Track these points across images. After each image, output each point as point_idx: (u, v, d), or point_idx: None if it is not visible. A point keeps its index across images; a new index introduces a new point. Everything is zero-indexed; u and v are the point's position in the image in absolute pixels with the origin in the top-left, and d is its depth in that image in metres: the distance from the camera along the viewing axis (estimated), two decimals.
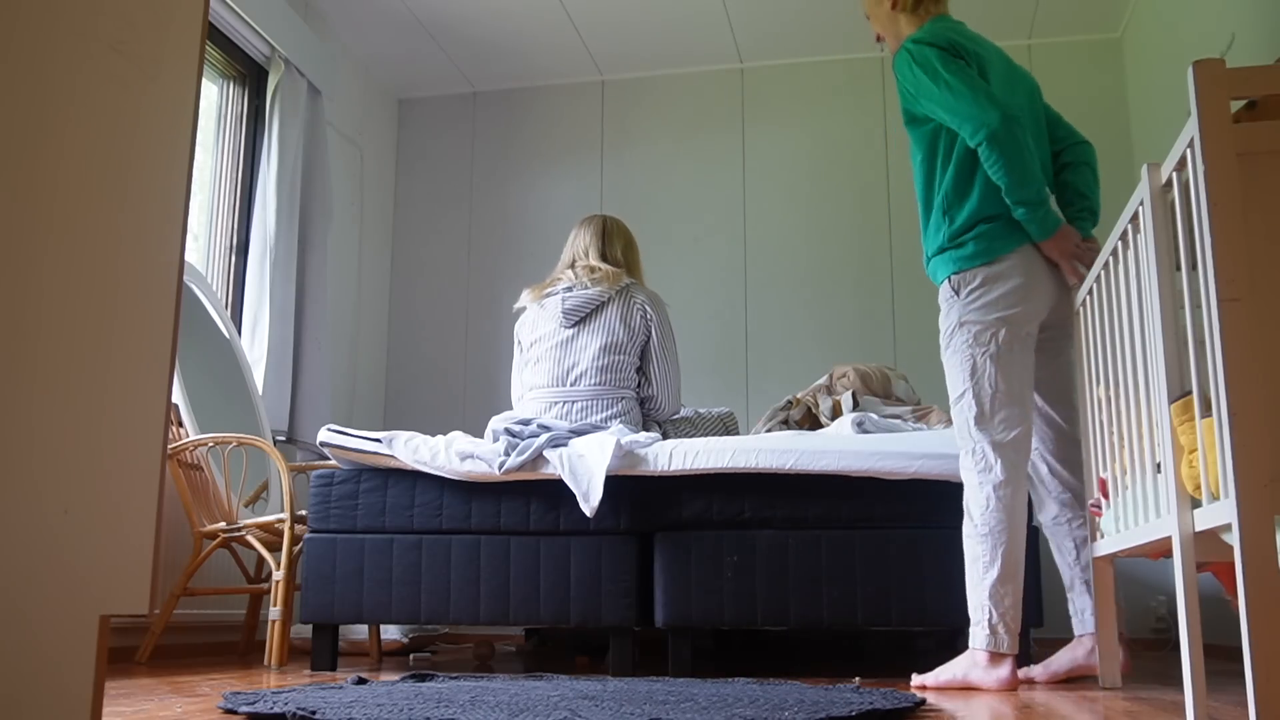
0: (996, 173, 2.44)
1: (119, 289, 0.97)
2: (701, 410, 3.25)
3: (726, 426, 3.20)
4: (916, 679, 2.43)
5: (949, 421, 2.79)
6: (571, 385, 3.03)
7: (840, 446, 2.65)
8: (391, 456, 2.84)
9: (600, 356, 3.03)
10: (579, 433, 2.87)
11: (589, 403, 3.00)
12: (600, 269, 3.11)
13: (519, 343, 3.20)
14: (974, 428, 2.44)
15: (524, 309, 3.21)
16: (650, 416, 3.11)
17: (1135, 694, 2.28)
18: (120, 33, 0.98)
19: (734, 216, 4.90)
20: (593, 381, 3.02)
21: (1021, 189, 2.43)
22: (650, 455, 2.72)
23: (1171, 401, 1.80)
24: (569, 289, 3.10)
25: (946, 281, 2.53)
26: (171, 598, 3.16)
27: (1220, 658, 3.11)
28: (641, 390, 3.09)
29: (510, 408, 3.30)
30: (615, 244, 3.19)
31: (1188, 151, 1.64)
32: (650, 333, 3.08)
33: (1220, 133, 1.57)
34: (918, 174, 2.66)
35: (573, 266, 3.15)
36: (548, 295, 3.13)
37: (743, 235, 4.87)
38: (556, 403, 3.02)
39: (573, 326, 3.07)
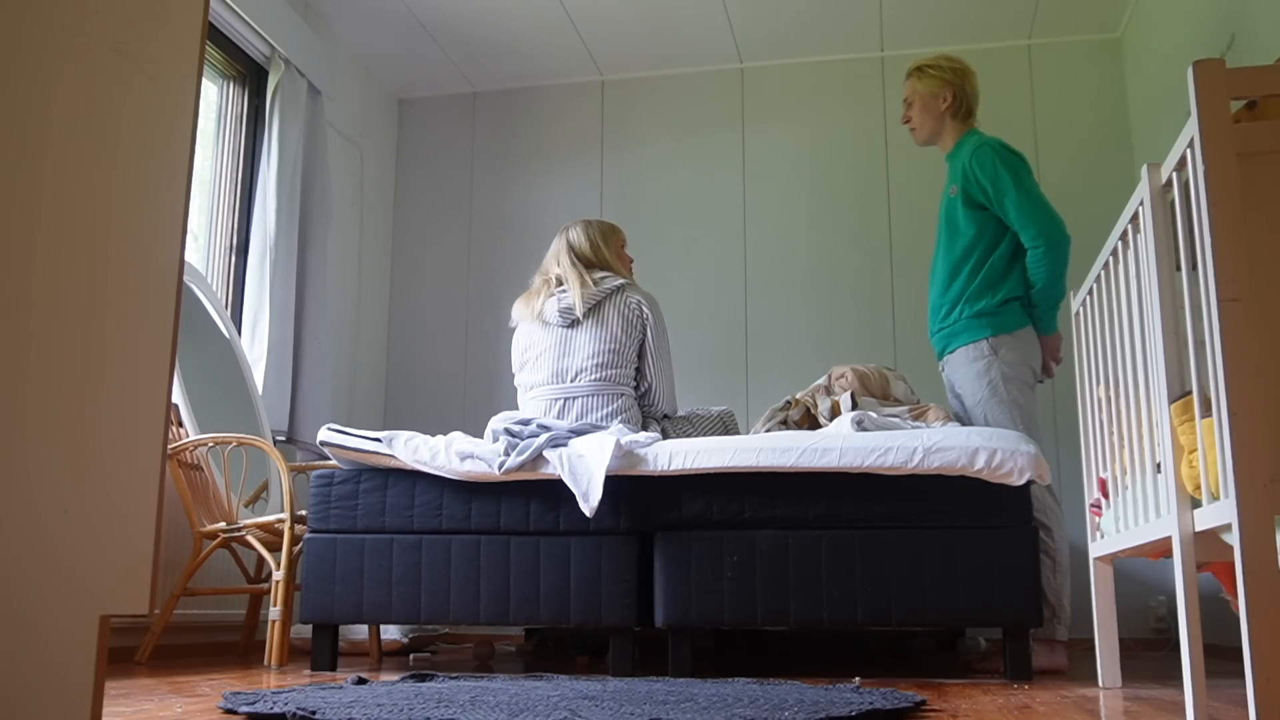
0: (1042, 274, 3.01)
1: (119, 289, 0.97)
2: (699, 410, 3.25)
3: (725, 425, 3.20)
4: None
5: (946, 418, 2.95)
6: (571, 382, 3.04)
7: (841, 443, 2.65)
8: (391, 456, 2.84)
9: (598, 355, 3.04)
10: (579, 432, 2.87)
11: (588, 399, 3.01)
12: (595, 271, 3.12)
13: (516, 347, 3.20)
14: None
15: (519, 321, 3.21)
16: (647, 413, 3.12)
17: (1135, 694, 2.28)
18: (120, 33, 0.98)
19: (734, 217, 4.89)
20: (591, 378, 3.03)
21: (1057, 291, 3.03)
22: (650, 455, 2.72)
23: (1171, 401, 1.80)
24: (565, 290, 3.11)
25: (985, 341, 3.05)
26: (171, 598, 3.16)
27: (1220, 658, 3.11)
28: (638, 385, 3.10)
29: (510, 409, 3.29)
30: (607, 246, 3.20)
31: (1188, 151, 1.64)
32: (646, 331, 3.09)
33: (1220, 133, 1.57)
34: (960, 241, 3.13)
35: (565, 269, 3.15)
36: (544, 299, 3.13)
37: (742, 235, 4.87)
38: (556, 399, 3.03)
39: (570, 326, 3.07)
